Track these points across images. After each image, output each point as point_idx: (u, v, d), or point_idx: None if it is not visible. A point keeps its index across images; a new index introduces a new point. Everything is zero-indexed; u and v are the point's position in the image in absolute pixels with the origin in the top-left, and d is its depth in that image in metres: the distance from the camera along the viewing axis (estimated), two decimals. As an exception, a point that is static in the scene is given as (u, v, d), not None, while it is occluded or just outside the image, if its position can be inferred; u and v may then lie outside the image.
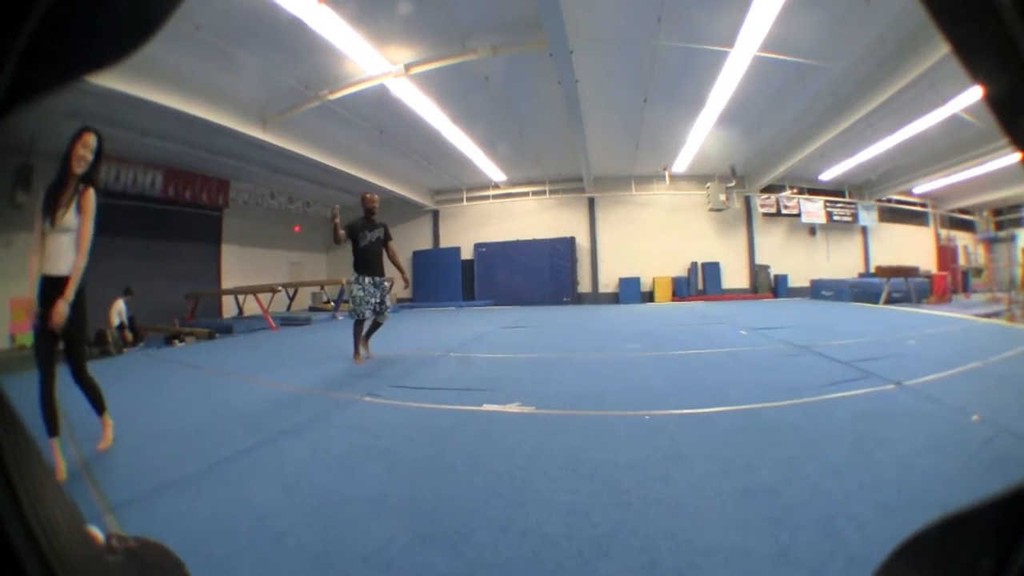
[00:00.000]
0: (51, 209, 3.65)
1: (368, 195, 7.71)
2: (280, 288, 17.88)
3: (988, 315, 12.62)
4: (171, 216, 17.52)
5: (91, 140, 3.74)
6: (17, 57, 0.44)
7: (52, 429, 3.44)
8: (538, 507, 2.53)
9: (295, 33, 9.77)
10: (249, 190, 20.18)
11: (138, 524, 2.50)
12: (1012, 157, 14.52)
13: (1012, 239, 23.94)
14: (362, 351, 7.49)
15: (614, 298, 23.06)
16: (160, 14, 0.48)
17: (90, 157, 3.72)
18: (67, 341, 3.75)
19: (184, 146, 14.96)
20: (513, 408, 4.45)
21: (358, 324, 7.40)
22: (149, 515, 2.64)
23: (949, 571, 0.47)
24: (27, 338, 12.90)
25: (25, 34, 0.44)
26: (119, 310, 12.86)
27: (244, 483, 3.02)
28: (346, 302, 20.37)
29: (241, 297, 18.79)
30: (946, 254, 24.29)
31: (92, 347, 10.75)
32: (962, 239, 26.13)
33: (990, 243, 25.76)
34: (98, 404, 3.90)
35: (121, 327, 12.48)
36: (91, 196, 3.70)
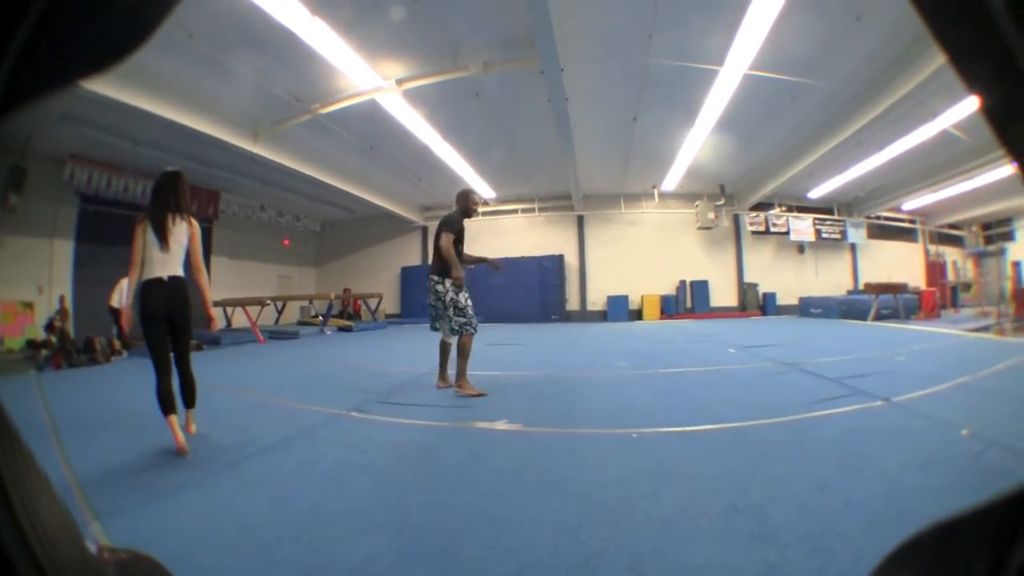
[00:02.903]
0: None
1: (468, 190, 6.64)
2: (269, 301, 17.84)
3: (977, 330, 12.72)
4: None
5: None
6: (11, 62, 0.44)
7: (168, 409, 4.01)
8: (525, 525, 2.52)
9: (288, 46, 9.79)
10: (239, 202, 20.14)
11: (124, 534, 2.48)
12: (1001, 171, 14.77)
13: (1001, 253, 24.16)
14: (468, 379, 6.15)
15: (602, 316, 23.05)
16: (153, 19, 0.48)
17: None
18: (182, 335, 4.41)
19: (175, 156, 14.76)
20: (501, 425, 4.44)
21: (469, 340, 6.21)
22: (136, 525, 2.62)
23: (945, 574, 0.47)
24: (16, 342, 12.80)
25: (19, 39, 0.44)
26: (122, 290, 12.66)
27: (232, 496, 2.99)
28: (333, 316, 20.34)
29: (229, 309, 18.72)
30: (935, 270, 24.50)
31: (80, 355, 10.66)
32: (951, 254, 26.36)
33: (979, 258, 26.01)
34: (189, 398, 4.42)
35: (119, 314, 12.32)
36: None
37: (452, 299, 6.11)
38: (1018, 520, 0.43)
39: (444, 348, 6.42)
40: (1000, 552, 0.43)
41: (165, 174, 4.51)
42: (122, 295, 12.59)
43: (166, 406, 4.01)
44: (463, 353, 6.12)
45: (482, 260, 6.60)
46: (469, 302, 6.21)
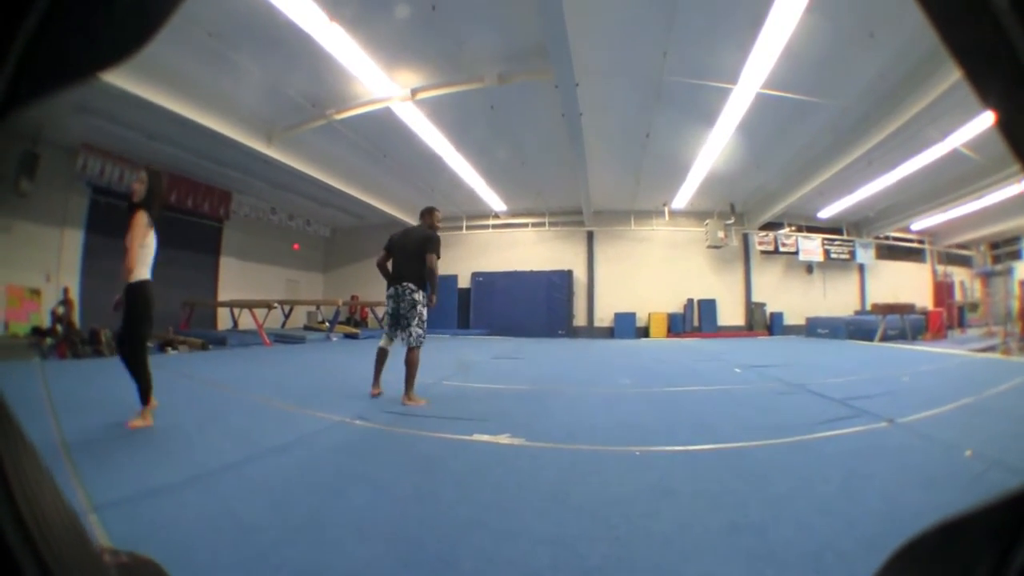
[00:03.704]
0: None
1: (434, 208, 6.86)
2: (276, 305, 17.88)
3: (983, 349, 12.68)
4: (172, 223, 17.39)
5: (144, 175, 4.88)
6: (18, 55, 0.44)
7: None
8: (525, 539, 2.51)
9: (305, 50, 9.91)
10: (251, 204, 20.28)
11: (122, 527, 2.49)
12: (1011, 190, 14.77)
13: (1009, 272, 24.03)
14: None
15: (609, 332, 23.11)
16: (162, 13, 0.49)
17: (142, 190, 4.80)
18: (129, 334, 4.63)
19: (189, 153, 15.05)
20: (503, 439, 4.42)
21: (418, 354, 6.35)
22: (133, 519, 2.62)
23: (947, 574, 0.47)
24: (22, 327, 12.86)
25: (26, 32, 0.44)
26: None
27: (231, 497, 2.99)
28: (339, 322, 20.37)
29: (236, 310, 18.76)
30: (943, 290, 24.41)
31: (86, 346, 10.71)
32: (959, 274, 26.23)
33: (987, 277, 25.86)
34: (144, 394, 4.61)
35: None
36: (138, 217, 4.66)
37: (421, 310, 6.31)
38: (1020, 520, 0.43)
39: (382, 356, 6.51)
40: (1002, 552, 0.43)
41: (159, 172, 4.97)
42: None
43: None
44: (414, 367, 6.23)
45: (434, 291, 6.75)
46: (427, 316, 6.45)
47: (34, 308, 13.48)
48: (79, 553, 0.54)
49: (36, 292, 13.70)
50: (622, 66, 10.93)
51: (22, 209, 13.35)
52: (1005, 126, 0.45)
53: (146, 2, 0.49)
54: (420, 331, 6.27)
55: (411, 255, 6.36)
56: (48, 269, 13.91)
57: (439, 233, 6.56)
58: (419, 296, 6.27)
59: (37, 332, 11.79)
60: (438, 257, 6.35)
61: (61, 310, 12.09)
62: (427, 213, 6.76)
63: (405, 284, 6.26)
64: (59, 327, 11.29)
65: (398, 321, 6.30)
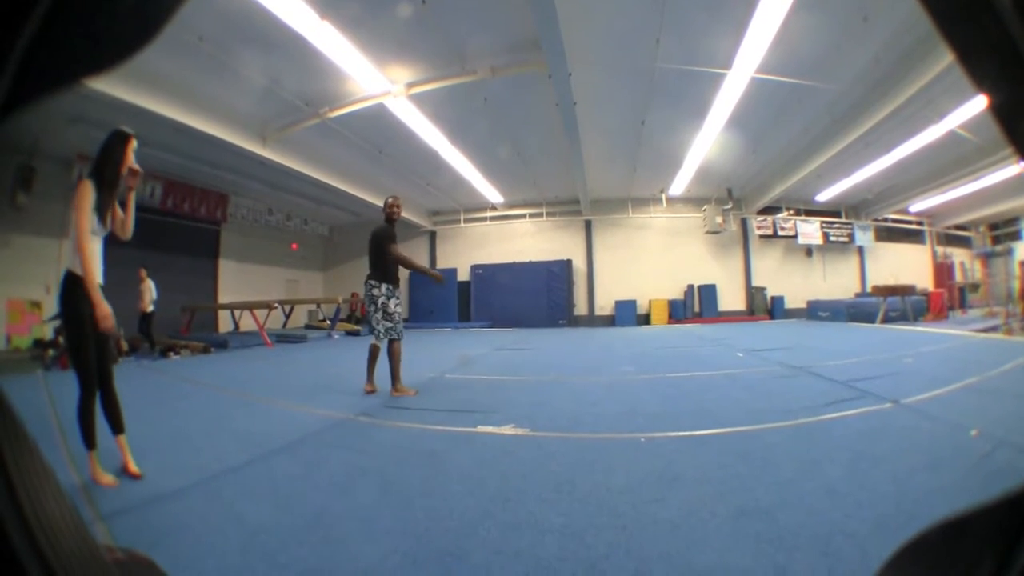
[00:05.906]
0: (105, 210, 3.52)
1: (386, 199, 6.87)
2: (276, 305, 17.87)
3: (985, 330, 12.70)
4: (169, 228, 17.52)
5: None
6: (17, 59, 0.44)
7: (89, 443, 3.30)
8: (532, 529, 2.51)
9: (297, 49, 9.87)
10: (248, 206, 20.26)
11: (128, 535, 2.49)
12: (1008, 170, 14.78)
13: (1009, 253, 24.12)
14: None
15: (610, 321, 23.13)
16: (159, 18, 0.48)
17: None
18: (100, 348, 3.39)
19: (184, 158, 15.00)
20: (507, 430, 4.42)
21: (399, 346, 6.44)
22: (139, 526, 2.62)
23: (950, 573, 0.47)
24: (24, 340, 12.86)
25: (25, 36, 0.44)
26: (151, 289, 12.89)
27: (236, 499, 2.99)
28: (340, 320, 20.39)
29: (237, 312, 18.77)
30: (943, 271, 24.51)
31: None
32: (959, 255, 26.36)
33: (987, 258, 25.96)
34: (116, 424, 3.51)
35: (150, 316, 12.60)
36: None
37: (383, 303, 6.35)
38: (1023, 519, 0.43)
39: (373, 352, 6.48)
40: (1005, 550, 0.43)
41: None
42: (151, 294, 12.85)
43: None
44: (396, 358, 6.34)
45: (424, 271, 7.12)
46: (398, 309, 6.48)
47: (35, 320, 13.47)
48: (80, 549, 0.54)
49: (37, 305, 13.69)
50: (615, 54, 10.87)
51: (20, 222, 13.35)
52: (998, 110, 0.45)
53: (144, 7, 0.48)
54: (387, 324, 6.36)
55: (371, 253, 6.51)
56: (48, 281, 13.89)
57: (394, 218, 6.77)
58: (378, 291, 6.37)
59: (39, 344, 11.78)
60: (393, 242, 6.48)
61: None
62: (383, 207, 6.87)
63: (368, 281, 6.44)
64: (61, 338, 11.27)
65: (368, 317, 6.44)
